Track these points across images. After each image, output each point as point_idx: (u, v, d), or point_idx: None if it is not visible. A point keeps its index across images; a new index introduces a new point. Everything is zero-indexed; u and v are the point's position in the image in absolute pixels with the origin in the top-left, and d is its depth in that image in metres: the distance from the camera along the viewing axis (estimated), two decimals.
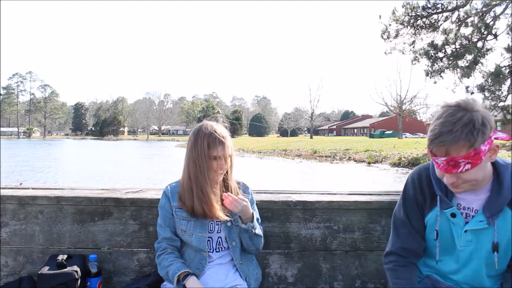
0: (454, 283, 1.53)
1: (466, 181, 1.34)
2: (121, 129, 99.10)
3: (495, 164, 1.42)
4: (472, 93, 15.65)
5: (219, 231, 1.82)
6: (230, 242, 1.81)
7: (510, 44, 14.70)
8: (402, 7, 16.28)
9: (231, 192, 1.82)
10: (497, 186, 1.40)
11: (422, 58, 16.65)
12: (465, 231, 1.44)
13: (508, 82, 15.11)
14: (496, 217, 1.39)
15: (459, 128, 1.27)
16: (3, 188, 2.25)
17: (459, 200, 1.46)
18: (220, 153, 1.73)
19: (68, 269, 1.91)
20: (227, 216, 1.76)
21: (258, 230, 1.83)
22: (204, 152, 1.72)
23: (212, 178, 1.75)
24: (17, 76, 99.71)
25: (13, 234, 2.09)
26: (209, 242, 1.80)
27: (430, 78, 16.82)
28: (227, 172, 1.83)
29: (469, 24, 15.91)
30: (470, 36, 15.71)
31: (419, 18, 16.13)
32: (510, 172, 1.40)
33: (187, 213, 1.77)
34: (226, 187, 1.84)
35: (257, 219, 1.85)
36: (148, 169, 20.07)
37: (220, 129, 1.78)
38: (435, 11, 16.01)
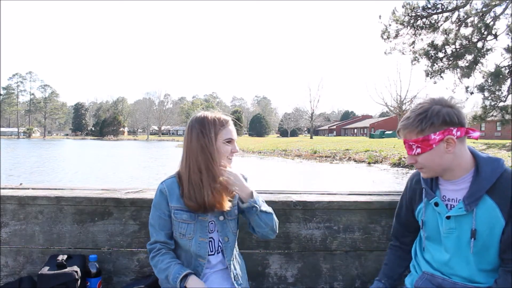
0: (448, 278, 1.57)
1: (424, 165, 1.49)
2: (121, 129, 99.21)
3: (476, 158, 1.51)
4: (472, 93, 15.65)
5: (218, 230, 1.72)
6: (222, 238, 1.70)
7: (510, 44, 14.67)
8: (402, 7, 16.25)
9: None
10: (476, 176, 1.48)
11: (422, 58, 16.62)
12: (447, 218, 1.52)
13: (508, 82, 15.09)
14: (475, 205, 1.46)
15: (414, 116, 1.45)
16: (3, 188, 2.25)
17: (444, 192, 1.56)
18: (235, 135, 1.66)
19: (68, 269, 1.91)
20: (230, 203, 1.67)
21: (265, 207, 1.70)
22: (213, 138, 1.61)
23: (223, 165, 1.63)
24: (17, 76, 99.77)
25: (13, 234, 2.09)
26: (210, 243, 1.69)
27: (430, 78, 16.79)
28: None
29: (469, 24, 15.90)
30: (470, 36, 15.69)
31: (419, 18, 16.11)
32: (489, 164, 1.48)
33: (197, 211, 1.63)
34: None
35: (263, 201, 1.72)
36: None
37: (222, 113, 1.70)
38: (435, 11, 15.98)
